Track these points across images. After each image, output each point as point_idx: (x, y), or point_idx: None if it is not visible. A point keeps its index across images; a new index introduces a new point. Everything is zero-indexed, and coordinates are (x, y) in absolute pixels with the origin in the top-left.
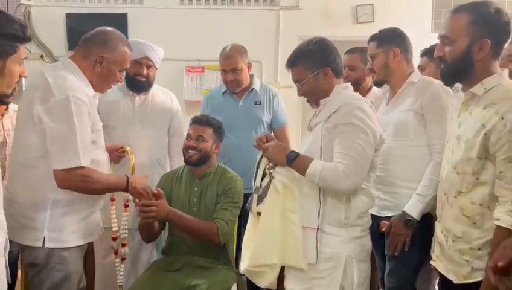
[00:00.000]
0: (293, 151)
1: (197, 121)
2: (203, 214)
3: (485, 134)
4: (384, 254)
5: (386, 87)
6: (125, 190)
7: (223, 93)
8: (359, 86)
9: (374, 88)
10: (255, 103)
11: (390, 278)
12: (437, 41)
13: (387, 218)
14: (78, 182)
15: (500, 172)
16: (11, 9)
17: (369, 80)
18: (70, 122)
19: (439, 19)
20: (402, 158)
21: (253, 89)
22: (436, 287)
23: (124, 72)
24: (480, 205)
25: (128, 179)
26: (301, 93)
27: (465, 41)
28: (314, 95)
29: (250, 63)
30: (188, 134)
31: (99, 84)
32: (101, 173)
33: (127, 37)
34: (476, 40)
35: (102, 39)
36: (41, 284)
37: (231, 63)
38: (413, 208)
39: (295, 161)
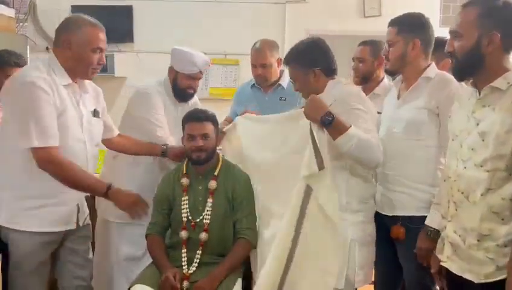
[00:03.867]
0: (330, 114)
1: (195, 118)
2: (211, 213)
3: None
4: (384, 256)
5: (396, 78)
6: (104, 195)
7: (252, 86)
8: (369, 79)
9: (385, 80)
10: (280, 99)
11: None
12: (445, 35)
13: (395, 218)
14: (45, 164)
15: None
16: (16, 1)
17: (380, 73)
18: (27, 104)
19: (447, 13)
20: (412, 157)
21: (279, 85)
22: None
23: (100, 56)
24: (510, 199)
25: (110, 187)
26: (296, 89)
27: (474, 35)
28: (306, 92)
29: (280, 59)
30: (189, 134)
31: (77, 68)
32: (76, 167)
33: (131, 30)
34: (484, 33)
35: (65, 24)
36: (6, 266)
37: (260, 57)
38: (434, 219)
39: (333, 122)
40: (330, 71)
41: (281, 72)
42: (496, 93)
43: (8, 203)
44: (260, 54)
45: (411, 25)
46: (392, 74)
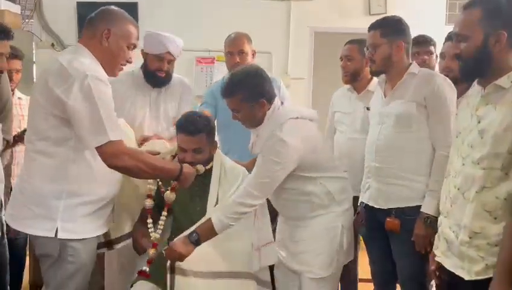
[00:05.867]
0: (190, 235)
1: (186, 131)
2: (206, 211)
3: None
4: (380, 253)
5: (381, 78)
6: (176, 178)
7: None
8: (357, 77)
9: (375, 79)
10: None
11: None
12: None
13: (390, 211)
14: (119, 158)
15: None
16: None
17: (368, 70)
18: (91, 100)
19: (453, 11)
20: (404, 150)
21: None
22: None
23: (131, 53)
24: (504, 199)
25: (182, 168)
26: (237, 119)
27: (480, 36)
28: (249, 122)
29: (255, 51)
30: (181, 147)
31: (110, 63)
32: (147, 155)
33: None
34: (491, 33)
35: (106, 14)
36: (54, 275)
37: (238, 44)
38: (430, 206)
39: (199, 239)
40: (271, 99)
41: None
42: (499, 91)
43: (64, 213)
44: (238, 41)
45: (394, 28)
46: (377, 74)
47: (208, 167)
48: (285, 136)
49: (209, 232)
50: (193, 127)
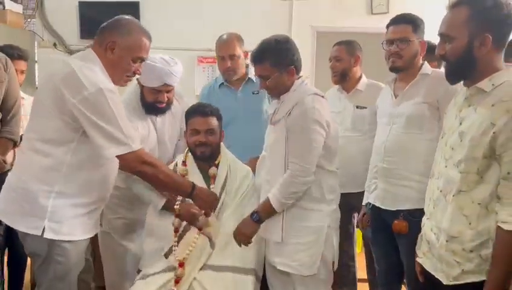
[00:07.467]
0: (252, 214)
1: (200, 113)
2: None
3: (494, 133)
4: (386, 253)
5: (389, 77)
6: (189, 196)
7: (220, 85)
8: (346, 77)
9: (364, 78)
10: (253, 93)
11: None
12: None
13: (397, 212)
14: (140, 166)
15: (508, 173)
16: None
17: (357, 70)
18: (109, 112)
19: None
20: (414, 151)
21: (249, 78)
22: None
23: (138, 66)
24: (479, 204)
25: (194, 186)
26: (264, 87)
27: (465, 38)
28: (277, 90)
29: (247, 52)
30: (194, 129)
31: (114, 74)
32: (166, 167)
33: None
34: (476, 35)
35: (115, 25)
36: (44, 274)
37: (228, 48)
38: None
39: (261, 218)
40: (299, 69)
41: (246, 65)
42: (481, 94)
43: (52, 213)
44: (229, 45)
45: (421, 26)
46: (397, 71)
47: (216, 162)
48: (315, 104)
49: (270, 211)
50: (207, 109)
